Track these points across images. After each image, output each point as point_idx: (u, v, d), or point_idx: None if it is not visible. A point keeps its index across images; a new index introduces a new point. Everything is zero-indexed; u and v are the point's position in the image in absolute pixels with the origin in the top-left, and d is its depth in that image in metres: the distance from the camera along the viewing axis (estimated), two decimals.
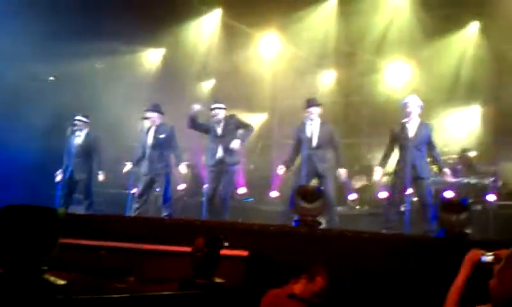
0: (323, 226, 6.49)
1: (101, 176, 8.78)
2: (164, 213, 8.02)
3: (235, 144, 7.83)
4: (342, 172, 7.70)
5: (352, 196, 10.49)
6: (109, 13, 10.91)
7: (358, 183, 11.12)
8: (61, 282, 3.04)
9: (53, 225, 3.08)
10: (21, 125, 10.02)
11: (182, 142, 10.48)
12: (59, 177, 8.64)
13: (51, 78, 10.23)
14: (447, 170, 7.35)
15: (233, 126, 8.01)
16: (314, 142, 7.65)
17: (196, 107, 7.93)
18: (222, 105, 8.03)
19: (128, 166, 8.28)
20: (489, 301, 2.85)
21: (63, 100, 10.32)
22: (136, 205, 8.08)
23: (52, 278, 3.02)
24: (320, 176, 7.58)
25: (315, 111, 7.74)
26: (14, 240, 2.92)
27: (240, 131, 8.06)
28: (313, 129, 7.67)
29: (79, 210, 8.68)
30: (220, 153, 7.86)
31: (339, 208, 9.97)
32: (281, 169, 7.79)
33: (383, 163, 7.57)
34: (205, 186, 8.07)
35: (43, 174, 9.44)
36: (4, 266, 2.93)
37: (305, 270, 4.30)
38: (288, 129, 11.50)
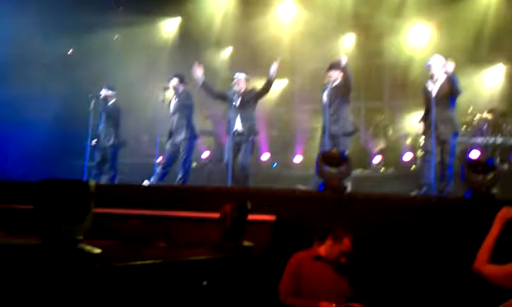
0: (348, 190, 6.48)
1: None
2: (178, 179, 8.10)
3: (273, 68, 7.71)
4: None
5: (377, 159, 10.45)
6: None
7: (378, 146, 11.06)
8: (97, 251, 3.13)
9: (86, 197, 3.16)
10: (42, 99, 10.12)
11: (204, 111, 10.52)
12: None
13: (70, 51, 10.25)
14: None
15: (252, 98, 7.97)
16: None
17: (198, 77, 7.85)
18: (243, 75, 7.97)
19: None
20: None
21: (83, 73, 10.40)
22: (163, 170, 8.18)
23: (87, 247, 3.11)
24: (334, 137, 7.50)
25: (334, 75, 7.63)
26: (51, 213, 3.01)
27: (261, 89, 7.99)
28: (331, 92, 7.53)
29: (102, 180, 8.80)
30: (238, 124, 7.85)
31: (364, 171, 9.99)
32: None
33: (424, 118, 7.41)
34: (226, 155, 8.09)
35: (68, 146, 9.58)
36: (42, 237, 3.02)
37: (330, 233, 4.34)
38: (309, 94, 11.42)
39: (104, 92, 8.90)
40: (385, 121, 11.74)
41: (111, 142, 8.83)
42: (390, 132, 11.49)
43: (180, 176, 8.05)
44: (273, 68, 7.72)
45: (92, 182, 3.27)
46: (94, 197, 3.18)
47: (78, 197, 3.10)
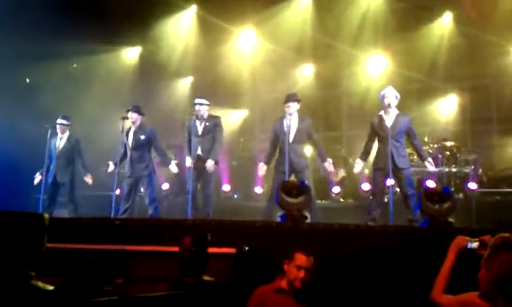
0: (308, 220, 6.50)
1: (89, 179, 8.79)
2: (150, 212, 8.06)
3: (210, 166, 7.86)
4: (327, 165, 7.67)
5: (336, 189, 10.53)
6: (84, 12, 10.77)
7: (338, 176, 11.11)
8: (50, 287, 3.00)
9: (39, 230, 3.04)
10: None
11: (165, 140, 10.45)
12: (38, 179, 8.62)
13: (27, 80, 10.03)
14: (429, 160, 7.38)
15: (212, 127, 7.97)
16: (291, 138, 7.56)
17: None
18: (205, 101, 8.00)
19: (111, 167, 8.22)
20: (476, 287, 2.89)
21: (41, 102, 10.17)
22: (123, 207, 8.05)
23: (40, 284, 2.98)
24: (296, 172, 7.53)
25: (294, 106, 7.67)
26: (1, 247, 2.88)
27: (214, 144, 8.00)
28: (291, 124, 7.60)
29: (63, 213, 8.58)
30: (199, 151, 7.84)
31: (324, 202, 10.04)
32: (262, 168, 7.75)
33: (364, 155, 7.57)
34: (188, 184, 8.03)
35: (23, 178, 9.29)
36: None
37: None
38: (269, 124, 11.52)
39: (59, 121, 8.71)
40: (344, 152, 11.85)
41: (61, 179, 8.66)
42: (350, 161, 11.61)
43: (151, 211, 8.04)
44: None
45: (46, 215, 3.16)
46: (48, 231, 3.07)
47: (31, 230, 2.99)
